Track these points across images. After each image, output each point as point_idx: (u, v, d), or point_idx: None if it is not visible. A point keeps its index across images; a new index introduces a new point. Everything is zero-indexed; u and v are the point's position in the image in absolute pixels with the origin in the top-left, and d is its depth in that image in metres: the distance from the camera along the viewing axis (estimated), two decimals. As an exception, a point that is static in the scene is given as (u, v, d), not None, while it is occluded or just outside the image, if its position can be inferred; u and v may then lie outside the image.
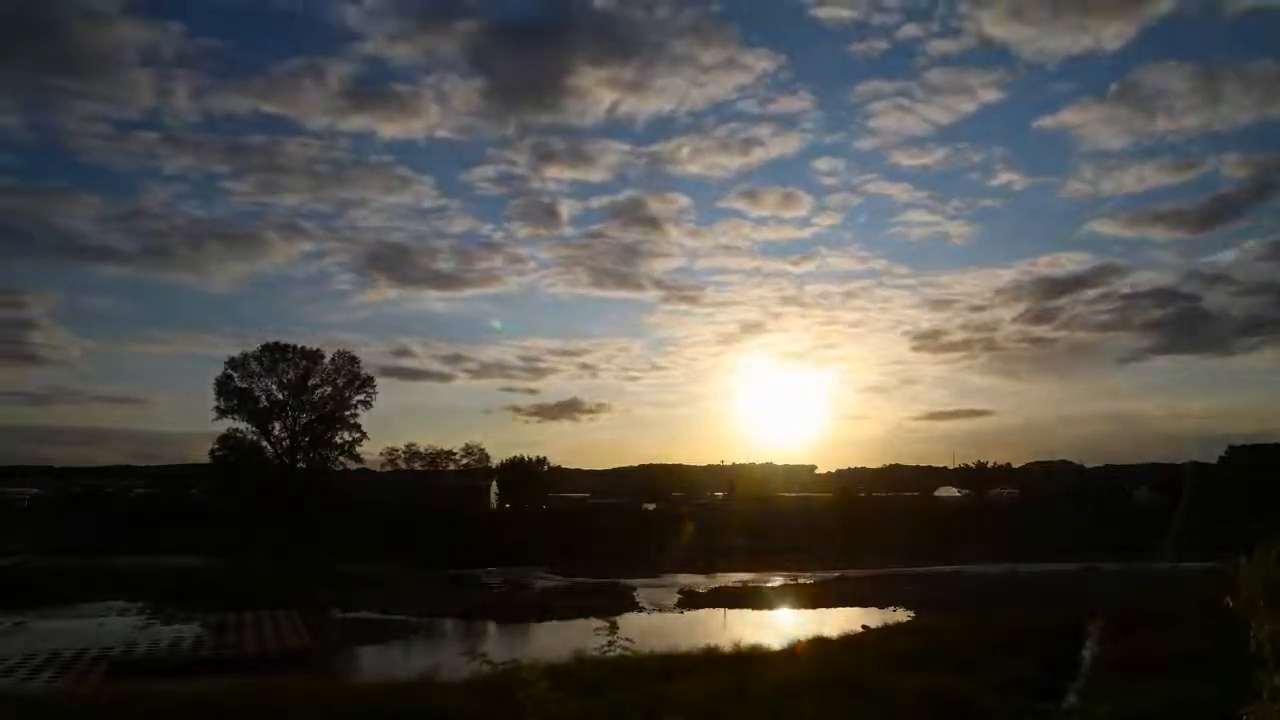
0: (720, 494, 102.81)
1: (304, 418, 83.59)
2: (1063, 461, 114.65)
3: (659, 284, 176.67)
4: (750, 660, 22.75)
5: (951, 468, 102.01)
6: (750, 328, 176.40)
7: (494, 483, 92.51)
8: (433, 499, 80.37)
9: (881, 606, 45.79)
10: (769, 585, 56.29)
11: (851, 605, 46.97)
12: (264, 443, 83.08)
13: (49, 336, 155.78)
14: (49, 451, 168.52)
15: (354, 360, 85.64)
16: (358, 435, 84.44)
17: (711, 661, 22.38)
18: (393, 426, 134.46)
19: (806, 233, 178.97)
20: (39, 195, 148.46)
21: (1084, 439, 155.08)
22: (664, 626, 39.03)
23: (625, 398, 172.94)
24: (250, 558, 58.63)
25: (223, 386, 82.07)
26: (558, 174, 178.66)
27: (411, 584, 53.22)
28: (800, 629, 34.83)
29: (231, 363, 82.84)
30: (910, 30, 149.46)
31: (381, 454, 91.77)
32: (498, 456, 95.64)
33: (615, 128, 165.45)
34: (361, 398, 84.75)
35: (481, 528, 76.31)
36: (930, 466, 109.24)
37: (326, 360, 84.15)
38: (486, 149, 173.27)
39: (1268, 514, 33.99)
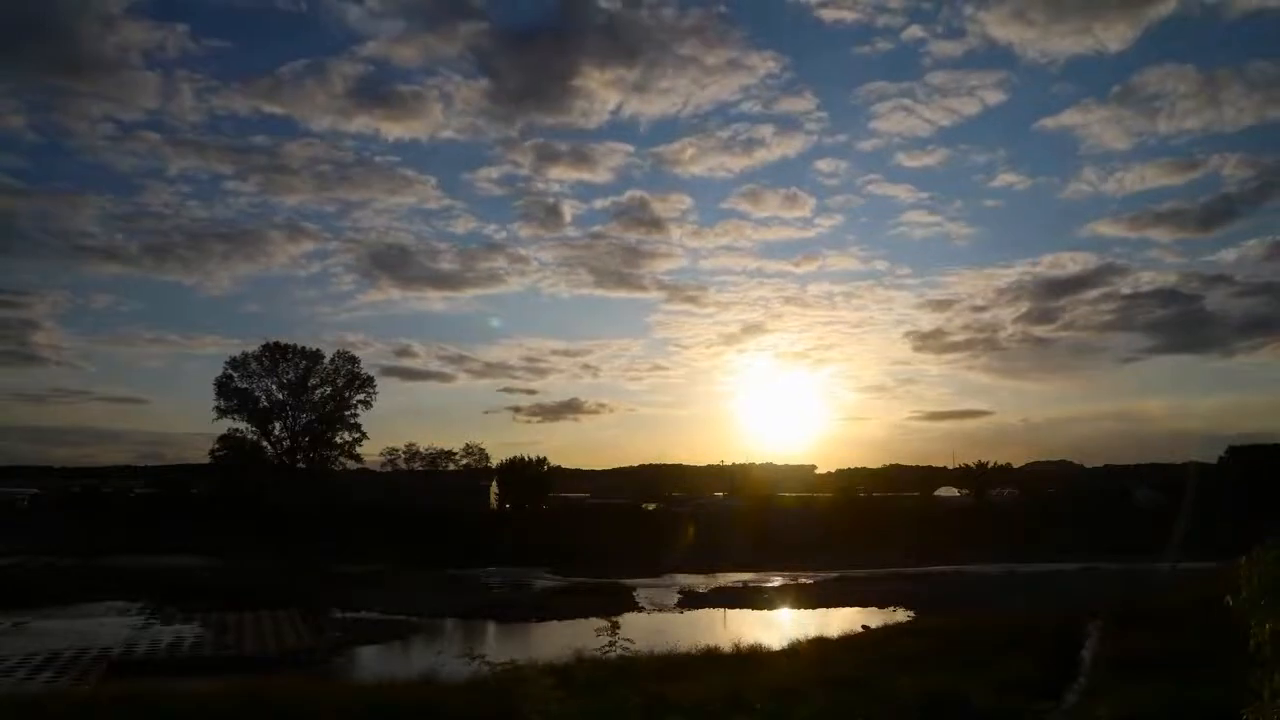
0: (721, 494, 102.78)
1: (304, 418, 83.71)
2: (1063, 461, 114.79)
3: (661, 284, 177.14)
4: (750, 660, 22.78)
5: (951, 468, 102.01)
6: (752, 328, 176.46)
7: (494, 483, 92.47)
8: (433, 499, 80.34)
9: (881, 606, 45.79)
10: (769, 585, 56.30)
11: (851, 605, 46.98)
12: (264, 443, 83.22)
13: (50, 337, 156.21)
14: (49, 451, 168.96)
15: (354, 360, 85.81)
16: (358, 435, 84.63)
17: (712, 661, 22.40)
18: (393, 426, 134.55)
19: (808, 233, 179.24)
20: (43, 196, 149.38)
21: (1084, 439, 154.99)
22: (664, 626, 39.02)
23: (626, 398, 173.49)
24: (250, 557, 58.62)
25: (223, 387, 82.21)
26: (561, 175, 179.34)
27: (411, 584, 53.21)
28: (800, 629, 34.84)
29: (232, 363, 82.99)
30: (914, 32, 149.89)
31: (381, 454, 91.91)
32: (497, 456, 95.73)
33: (619, 129, 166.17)
34: (361, 398, 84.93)
35: (481, 528, 76.26)
36: (930, 466, 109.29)
37: (326, 360, 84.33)
38: (490, 150, 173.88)
39: (1268, 514, 33.96)
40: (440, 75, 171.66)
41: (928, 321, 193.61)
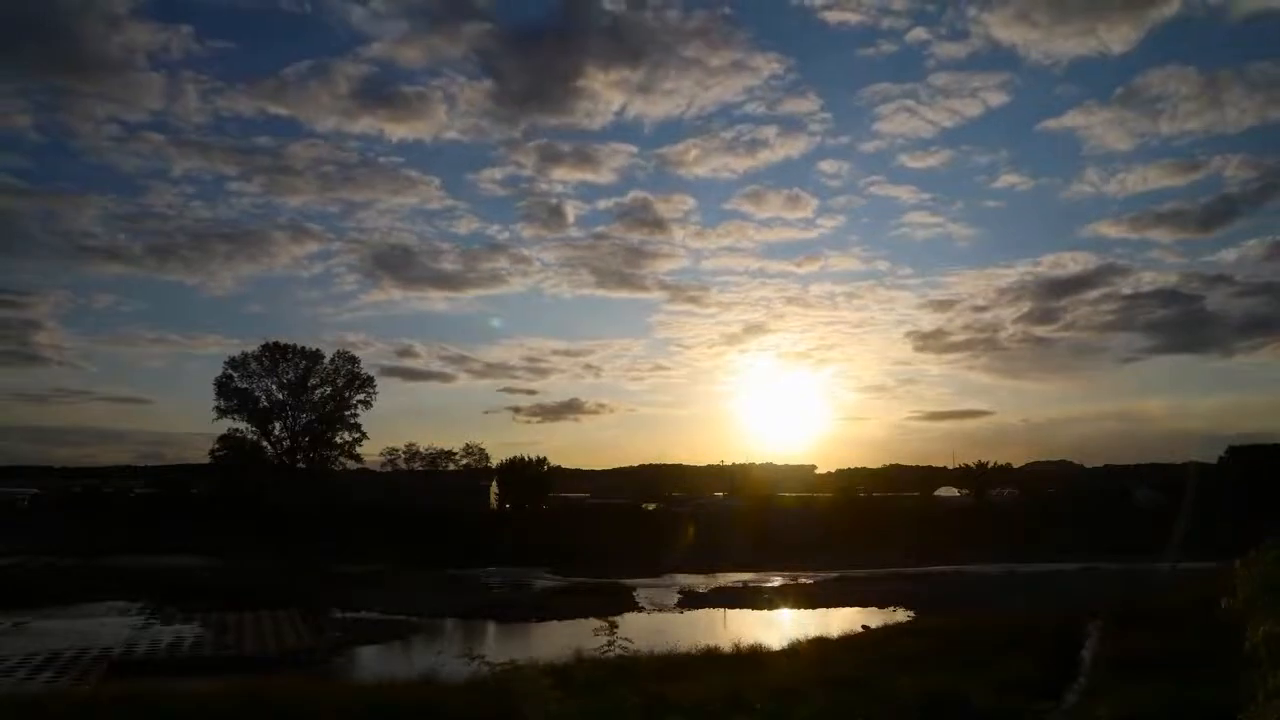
0: (721, 494, 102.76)
1: (304, 418, 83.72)
2: (1063, 461, 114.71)
3: (663, 284, 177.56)
4: (750, 660, 22.79)
5: (951, 468, 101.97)
6: (753, 328, 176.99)
7: (494, 483, 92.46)
8: (433, 499, 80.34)
9: (881, 606, 45.79)
10: (769, 585, 56.29)
11: (851, 605, 46.98)
12: (264, 443, 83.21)
13: (52, 337, 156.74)
14: (50, 451, 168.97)
15: (354, 360, 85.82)
16: (358, 435, 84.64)
17: (712, 661, 22.41)
18: (394, 427, 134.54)
19: (810, 234, 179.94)
20: (47, 196, 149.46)
21: (1084, 439, 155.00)
22: (664, 626, 39.01)
23: (627, 398, 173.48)
24: (250, 557, 58.62)
25: (223, 387, 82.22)
26: (564, 175, 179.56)
27: (411, 584, 53.21)
28: (800, 629, 34.85)
29: (232, 363, 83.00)
30: (918, 34, 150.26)
31: (381, 454, 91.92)
32: (497, 456, 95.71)
33: (623, 130, 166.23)
34: (361, 398, 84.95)
35: (481, 528, 76.26)
36: (930, 466, 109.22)
37: (326, 360, 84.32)
38: (494, 150, 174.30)
39: (1268, 514, 33.94)
40: (444, 76, 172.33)
41: (929, 322, 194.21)
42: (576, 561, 62.50)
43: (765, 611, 47.09)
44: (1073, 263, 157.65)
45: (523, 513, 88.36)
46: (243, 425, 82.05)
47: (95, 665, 28.85)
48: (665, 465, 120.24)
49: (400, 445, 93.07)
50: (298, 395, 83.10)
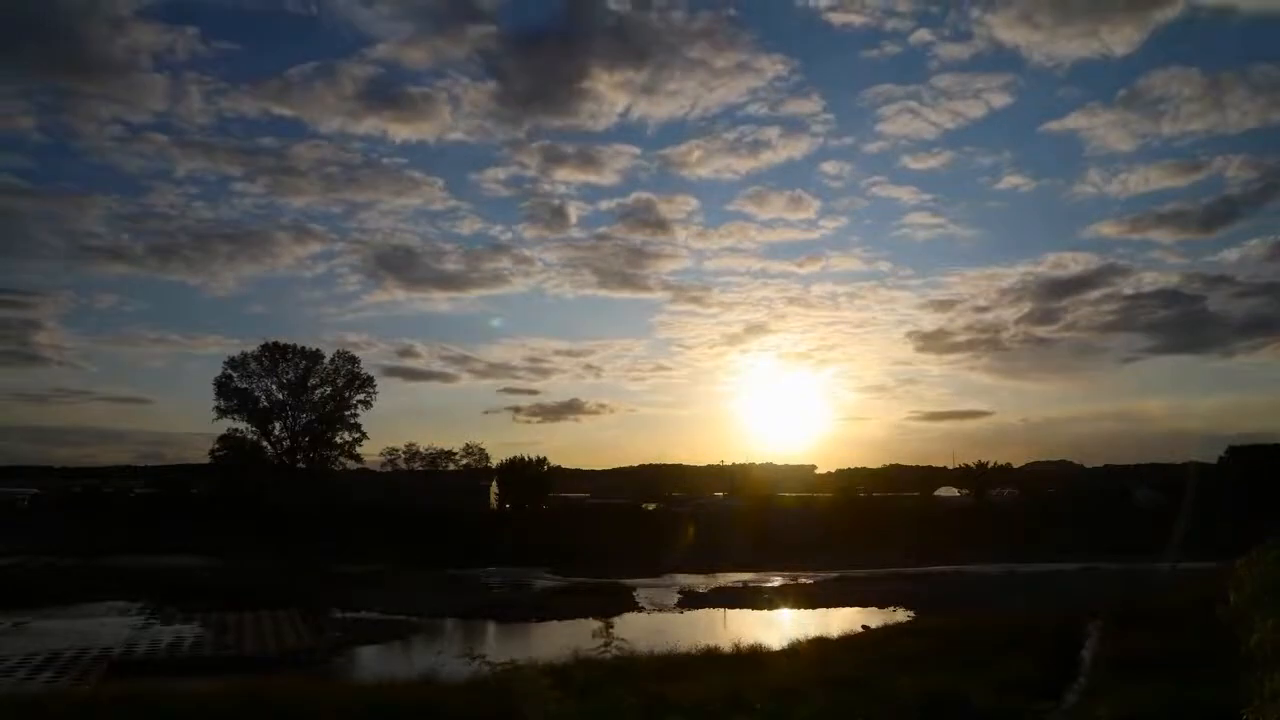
0: (721, 494, 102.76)
1: (304, 418, 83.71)
2: (1063, 461, 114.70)
3: (665, 285, 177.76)
4: (750, 660, 22.76)
5: (951, 468, 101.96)
6: (755, 328, 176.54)
7: (494, 483, 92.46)
8: (433, 499, 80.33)
9: (881, 606, 45.79)
10: (769, 585, 56.29)
11: (851, 605, 46.98)
12: (264, 443, 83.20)
13: (53, 337, 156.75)
14: (50, 451, 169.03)
15: (354, 360, 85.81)
16: (358, 435, 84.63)
17: (712, 661, 22.38)
18: (394, 427, 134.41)
19: (813, 235, 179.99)
20: (50, 197, 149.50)
21: (1085, 439, 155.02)
22: (664, 626, 39.02)
23: (627, 398, 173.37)
24: (250, 557, 58.61)
25: (223, 387, 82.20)
26: (567, 176, 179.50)
27: (411, 584, 53.21)
28: (800, 629, 34.84)
29: (231, 363, 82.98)
30: (921, 35, 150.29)
31: (381, 454, 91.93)
32: (498, 456, 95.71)
33: (627, 131, 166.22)
34: (361, 398, 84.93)
35: (481, 528, 76.25)
36: (930, 466, 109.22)
37: (326, 360, 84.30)
38: (497, 151, 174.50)
39: (1268, 514, 33.94)
40: (448, 78, 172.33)
41: (930, 322, 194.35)
42: (576, 561, 62.48)
43: (765, 611, 47.09)
44: (1074, 263, 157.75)
45: (523, 513, 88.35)
46: (243, 425, 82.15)
47: (95, 665, 28.84)
48: (665, 465, 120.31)
49: (400, 445, 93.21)
50: (298, 395, 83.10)
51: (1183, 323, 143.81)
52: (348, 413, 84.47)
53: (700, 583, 56.93)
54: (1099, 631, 20.58)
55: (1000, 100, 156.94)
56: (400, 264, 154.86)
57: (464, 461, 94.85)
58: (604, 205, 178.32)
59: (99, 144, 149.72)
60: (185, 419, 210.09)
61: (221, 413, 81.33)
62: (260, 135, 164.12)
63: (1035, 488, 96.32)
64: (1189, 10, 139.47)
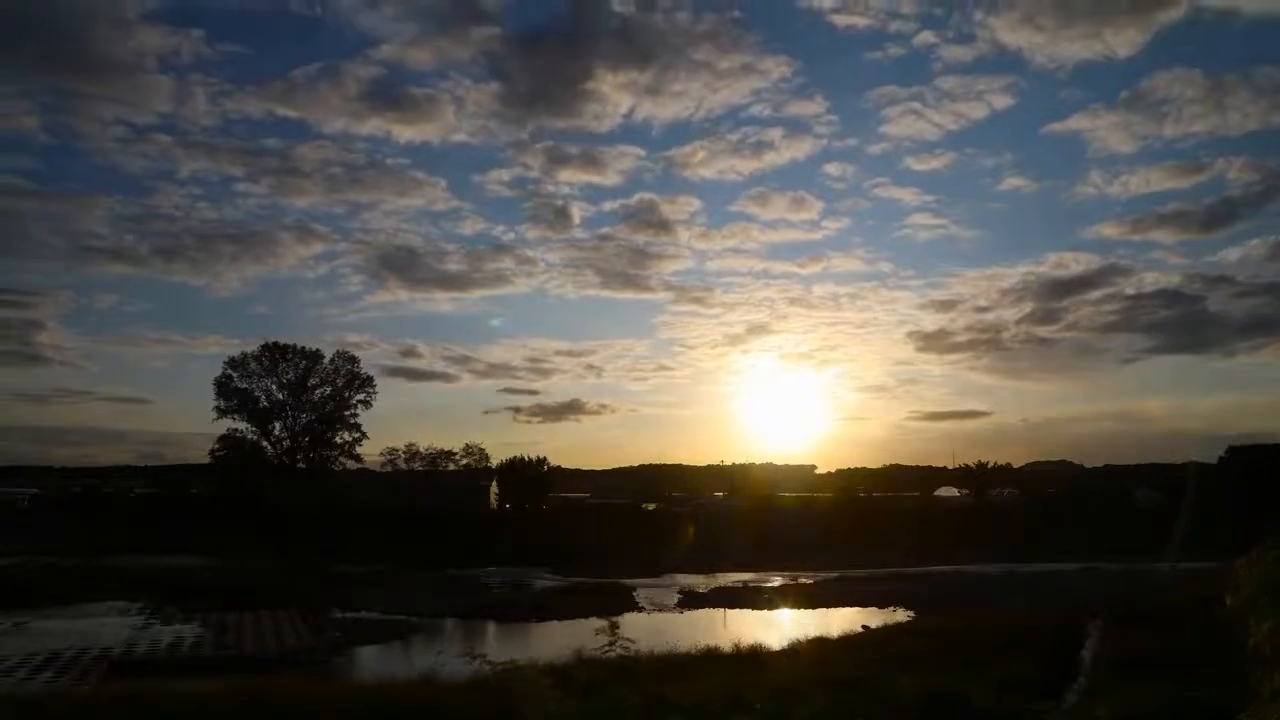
0: (721, 494, 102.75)
1: (304, 418, 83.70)
2: (1063, 461, 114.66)
3: (668, 285, 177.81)
4: (750, 660, 22.76)
5: (951, 468, 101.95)
6: (757, 329, 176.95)
7: (494, 483, 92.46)
8: (433, 499, 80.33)
9: (881, 606, 45.80)
10: (769, 585, 56.29)
11: (851, 605, 46.99)
12: (264, 443, 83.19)
13: (54, 337, 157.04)
14: (50, 451, 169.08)
15: (353, 360, 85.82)
16: (357, 435, 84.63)
17: (712, 661, 22.39)
18: (395, 427, 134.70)
19: (815, 235, 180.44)
20: (54, 198, 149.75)
21: (1085, 439, 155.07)
22: (664, 626, 39.02)
23: (628, 398, 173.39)
24: (250, 557, 58.61)
25: (223, 387, 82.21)
26: (571, 177, 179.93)
27: (411, 584, 53.22)
28: (800, 629, 34.84)
29: (231, 363, 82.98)
30: (925, 37, 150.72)
31: (381, 454, 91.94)
32: (498, 457, 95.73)
33: (631, 132, 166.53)
34: (361, 398, 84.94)
35: (481, 528, 76.26)
36: (930, 466, 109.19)
37: (326, 360, 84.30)
38: (501, 152, 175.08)
39: (1268, 514, 33.93)
40: (452, 79, 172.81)
41: (931, 322, 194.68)
42: (576, 561, 62.49)
43: (765, 611, 47.08)
44: (1075, 263, 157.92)
45: (523, 513, 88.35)
46: (243, 425, 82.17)
47: (95, 665, 28.85)
48: (665, 465, 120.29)
49: (400, 445, 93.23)
50: (297, 395, 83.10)
51: (1183, 323, 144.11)
52: (347, 413, 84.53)
53: (700, 583, 56.93)
54: (1099, 631, 20.58)
55: (1003, 102, 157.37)
56: (403, 264, 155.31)
57: (464, 461, 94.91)
58: (607, 206, 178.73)
59: (103, 145, 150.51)
60: (185, 419, 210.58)
61: (221, 413, 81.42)
62: (264, 136, 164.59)
63: (1035, 488, 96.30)
64: (1192, 12, 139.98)
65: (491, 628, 42.48)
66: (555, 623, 41.49)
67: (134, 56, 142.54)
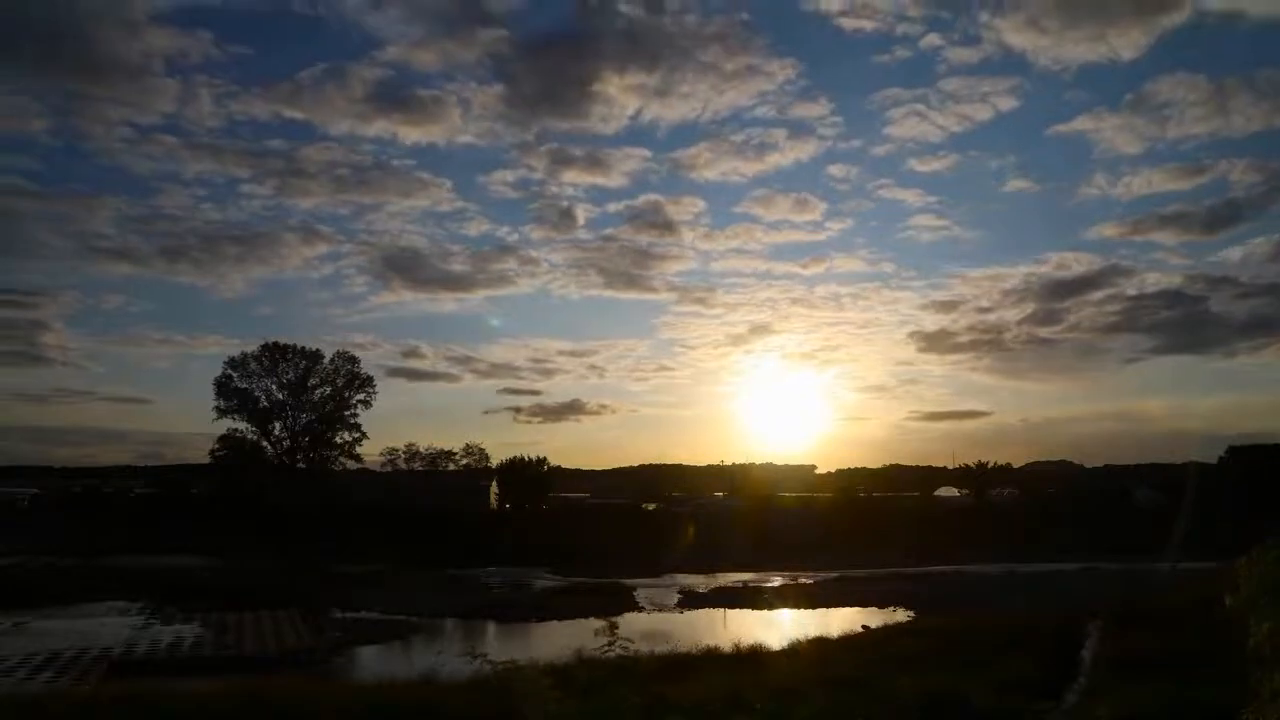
0: (721, 494, 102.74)
1: (304, 418, 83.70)
2: (1063, 461, 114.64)
3: (671, 286, 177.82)
4: (750, 660, 22.76)
5: (951, 468, 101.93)
6: (759, 329, 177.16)
7: (494, 483, 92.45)
8: (433, 499, 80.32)
9: (881, 606, 45.80)
10: (769, 585, 56.28)
11: (851, 605, 46.98)
12: (264, 443, 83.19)
13: (58, 337, 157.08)
14: (51, 451, 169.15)
15: (353, 360, 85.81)
16: (358, 435, 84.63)
17: (712, 661, 22.39)
18: (396, 427, 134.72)
19: (818, 236, 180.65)
20: (59, 199, 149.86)
21: (1085, 439, 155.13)
22: (664, 626, 39.03)
23: (629, 398, 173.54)
24: (250, 557, 58.61)
25: (223, 387, 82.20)
26: (575, 179, 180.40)
27: (411, 584, 53.22)
28: (800, 629, 34.83)
29: (231, 363, 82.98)
30: (931, 40, 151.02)
31: (381, 454, 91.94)
32: (498, 457, 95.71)
33: (636, 134, 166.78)
34: (361, 398, 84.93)
35: (481, 528, 76.25)
36: (930, 466, 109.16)
37: (326, 360, 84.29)
38: (506, 154, 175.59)
39: (1268, 514, 33.95)
40: (458, 80, 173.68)
41: (933, 322, 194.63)
42: (576, 561, 62.48)
43: (765, 611, 47.08)
44: (1077, 264, 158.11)
45: (523, 513, 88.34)
46: (243, 425, 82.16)
47: (95, 665, 28.85)
48: (665, 465, 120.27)
49: (400, 445, 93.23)
50: (298, 395, 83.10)
51: (1185, 323, 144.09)
52: (347, 413, 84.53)
53: (700, 583, 56.93)
54: (1099, 631, 20.57)
55: (1007, 104, 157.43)
56: (407, 265, 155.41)
57: (464, 461, 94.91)
58: (611, 207, 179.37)
59: (109, 146, 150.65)
60: (186, 419, 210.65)
61: (221, 413, 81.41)
62: (270, 137, 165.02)
63: (1035, 488, 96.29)
64: (1195, 16, 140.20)
65: (491, 628, 42.48)
66: (555, 623, 41.50)
67: (142, 58, 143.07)
